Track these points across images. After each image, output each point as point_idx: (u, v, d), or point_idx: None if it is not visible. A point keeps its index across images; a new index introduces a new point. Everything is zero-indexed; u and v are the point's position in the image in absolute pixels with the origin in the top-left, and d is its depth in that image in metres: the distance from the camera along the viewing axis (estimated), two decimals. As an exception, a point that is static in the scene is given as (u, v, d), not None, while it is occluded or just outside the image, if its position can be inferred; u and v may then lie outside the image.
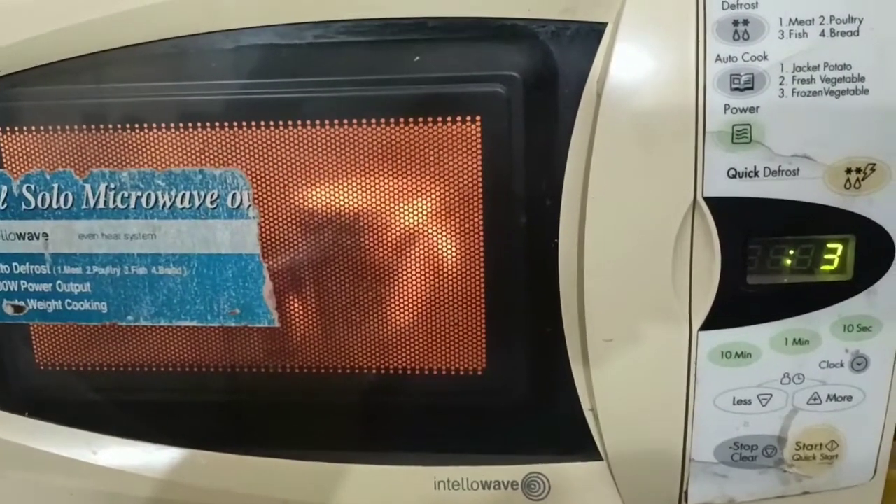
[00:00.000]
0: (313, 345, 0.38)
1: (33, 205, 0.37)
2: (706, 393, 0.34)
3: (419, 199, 0.36)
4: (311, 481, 0.39)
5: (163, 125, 0.36)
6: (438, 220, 0.36)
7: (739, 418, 0.35)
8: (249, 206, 0.36)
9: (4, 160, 0.37)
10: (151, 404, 0.40)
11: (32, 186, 0.37)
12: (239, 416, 0.40)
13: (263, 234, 0.37)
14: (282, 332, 0.38)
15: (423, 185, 0.36)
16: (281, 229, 0.37)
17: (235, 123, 0.36)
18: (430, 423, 0.39)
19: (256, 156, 0.36)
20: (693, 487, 0.36)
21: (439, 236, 0.36)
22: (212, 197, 0.36)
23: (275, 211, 0.36)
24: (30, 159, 0.37)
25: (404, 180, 0.36)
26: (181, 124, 0.36)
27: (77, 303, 0.38)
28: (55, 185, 0.37)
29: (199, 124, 0.36)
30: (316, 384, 0.39)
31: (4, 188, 0.37)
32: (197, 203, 0.37)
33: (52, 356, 0.40)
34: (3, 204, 0.38)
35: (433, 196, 0.36)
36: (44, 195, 0.37)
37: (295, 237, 0.37)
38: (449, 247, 0.36)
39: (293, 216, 0.37)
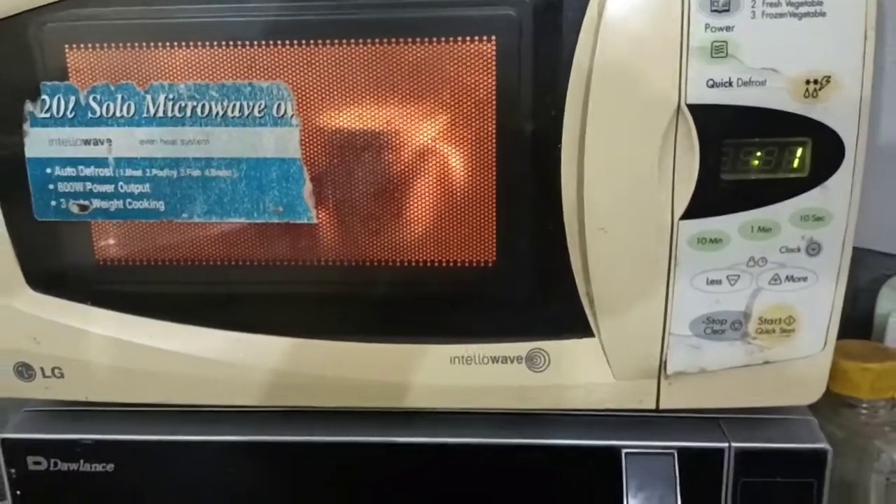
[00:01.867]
0: (346, 239, 0.44)
1: (98, 113, 0.42)
2: (684, 274, 0.41)
3: (441, 110, 0.41)
4: (343, 359, 0.45)
5: (216, 43, 0.41)
6: (457, 129, 0.42)
7: (712, 296, 0.41)
8: (292, 115, 0.42)
9: (72, 74, 0.42)
10: (199, 295, 0.46)
11: (98, 97, 0.42)
12: (277, 304, 0.46)
13: (304, 141, 0.42)
14: (318, 228, 0.44)
15: (445, 98, 0.41)
16: (319, 136, 0.42)
17: (280, 42, 0.41)
18: (447, 309, 0.45)
19: (299, 71, 0.41)
20: (671, 358, 0.43)
21: (457, 143, 0.42)
22: (259, 107, 0.42)
23: (314, 120, 0.42)
24: (95, 73, 0.42)
25: (428, 94, 0.41)
26: (232, 42, 0.41)
27: (137, 202, 0.44)
28: (119, 96, 0.42)
29: (248, 43, 0.41)
30: (348, 275, 0.45)
31: (73, 98, 0.42)
32: (246, 112, 0.42)
33: (110, 252, 0.45)
34: (71, 113, 0.42)
35: (453, 107, 0.41)
36: (108, 105, 0.42)
37: (331, 143, 0.42)
38: (466, 153, 0.42)
39: (330, 125, 0.42)
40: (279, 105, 0.41)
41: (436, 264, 0.44)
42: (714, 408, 0.45)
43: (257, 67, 0.41)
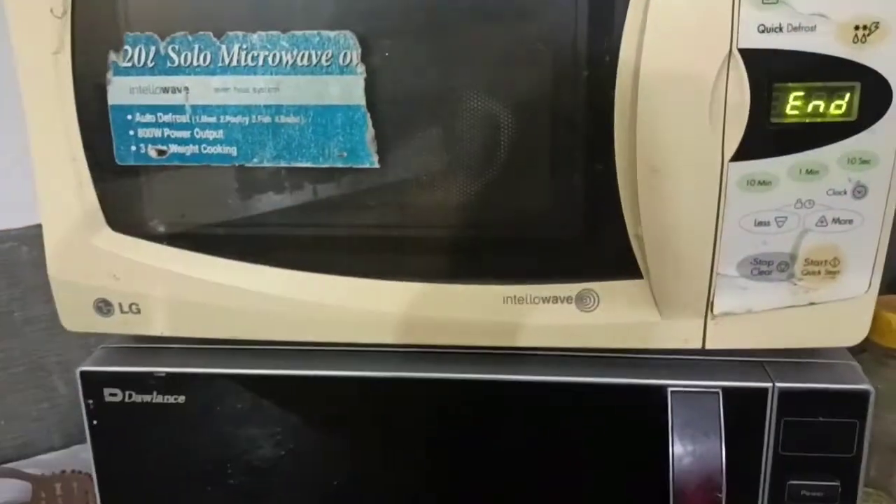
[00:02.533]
0: (406, 184, 0.46)
1: (177, 63, 0.45)
2: (733, 215, 0.42)
3: (499, 56, 0.43)
4: (400, 298, 0.48)
5: (287, -6, 0.43)
6: (514, 75, 0.44)
7: (759, 238, 0.43)
8: (358, 64, 0.44)
9: (152, 25, 0.45)
10: (268, 236, 0.48)
11: (176, 47, 0.45)
12: (340, 246, 0.48)
13: (369, 89, 0.44)
14: (380, 173, 0.46)
15: (503, 45, 0.43)
16: (383, 84, 0.44)
17: (347, -8, 0.43)
18: (500, 251, 0.47)
19: (364, 21, 0.43)
20: (718, 299, 0.45)
21: (514, 89, 0.44)
22: (327, 56, 0.44)
23: (379, 69, 0.44)
24: (174, 24, 0.45)
25: (486, 41, 0.43)
26: (302, -7, 0.43)
27: (211, 147, 0.46)
28: (196, 46, 0.45)
29: (317, -7, 0.43)
30: (407, 218, 0.47)
31: (153, 49, 0.45)
32: (314, 61, 0.44)
33: (184, 195, 0.48)
34: (151, 62, 0.45)
35: (511, 53, 0.43)
36: (186, 55, 0.45)
37: (394, 91, 0.44)
38: (521, 98, 0.44)
39: (394, 73, 0.44)
40: (345, 54, 0.44)
41: (490, 207, 0.46)
42: (759, 348, 0.47)
43: (326, 18, 0.43)
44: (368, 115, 0.45)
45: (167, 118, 0.46)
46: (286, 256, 0.48)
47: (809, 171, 0.41)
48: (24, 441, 0.78)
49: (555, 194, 0.46)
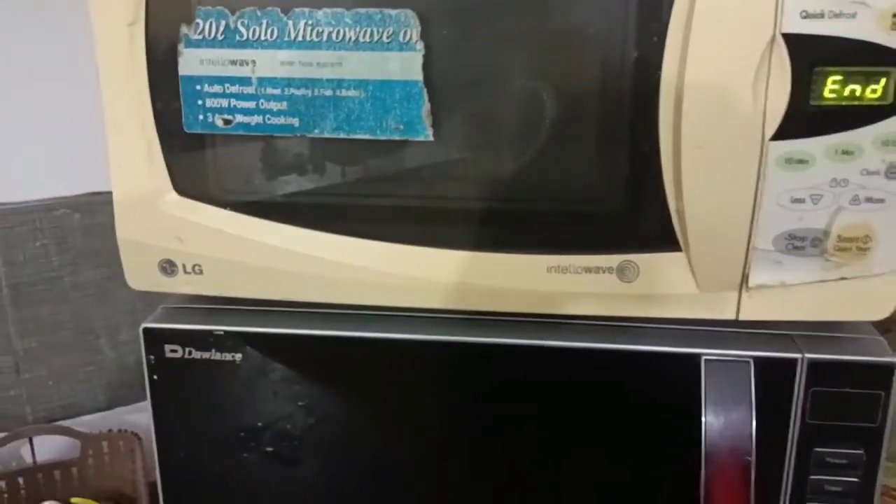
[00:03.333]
0: (459, 157, 0.49)
1: (245, 37, 0.48)
2: (770, 192, 0.45)
3: (551, 36, 0.46)
4: (450, 266, 0.50)
5: (352, -27, 0.46)
6: (565, 55, 0.46)
7: (795, 214, 0.45)
8: (417, 41, 0.46)
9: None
10: (325, 204, 0.51)
11: (245, 21, 0.48)
12: (395, 215, 0.51)
13: (426, 65, 0.47)
14: (435, 146, 0.48)
15: (556, 26, 0.45)
16: (440, 62, 0.47)
17: (409, -27, 0.46)
18: (546, 222, 0.50)
19: (424, 0, 0.46)
20: (753, 272, 0.47)
21: (564, 68, 0.46)
22: (388, 33, 0.46)
23: (436, 46, 0.46)
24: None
25: (539, 22, 0.46)
26: (367, -27, 0.46)
27: (275, 118, 0.49)
28: (264, 21, 0.47)
29: (381, -27, 0.46)
30: (459, 190, 0.50)
31: (223, 22, 0.48)
32: (376, 38, 0.47)
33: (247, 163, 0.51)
34: (221, 35, 0.48)
35: (563, 34, 0.46)
36: (254, 29, 0.48)
37: (451, 69, 0.47)
38: (571, 77, 0.46)
39: (451, 52, 0.47)
40: (406, 31, 0.46)
41: (537, 181, 0.49)
42: (790, 320, 0.49)
43: (388, -4, 0.46)
44: (425, 90, 0.47)
45: (234, 89, 0.49)
46: (342, 224, 0.51)
47: (845, 152, 0.43)
48: (70, 402, 0.81)
49: (600, 170, 0.48)
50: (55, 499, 0.73)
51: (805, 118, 0.43)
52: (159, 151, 0.51)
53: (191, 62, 0.49)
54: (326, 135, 0.49)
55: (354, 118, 0.48)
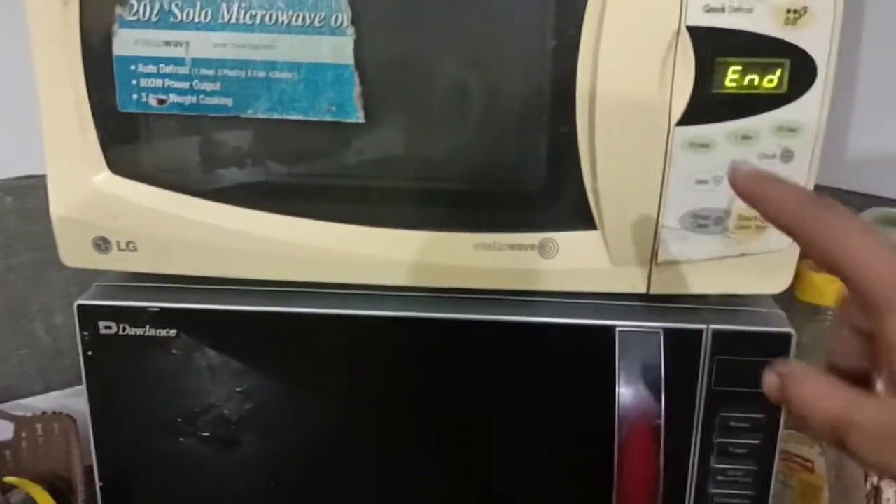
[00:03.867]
0: (389, 139, 0.51)
1: (179, 18, 0.49)
2: (676, 174, 0.48)
3: (476, 25, 0.48)
4: (380, 242, 0.52)
5: (285, -41, 0.47)
6: (488, 43, 0.49)
7: (699, 194, 0.49)
8: (348, 25, 0.48)
9: (158, -18, 0.49)
10: (256, 182, 0.53)
11: (179, 3, 0.49)
12: (326, 193, 0.53)
13: (357, 49, 0.49)
14: (365, 128, 0.51)
15: (480, 15, 0.48)
16: (371, 46, 0.49)
17: (339, -39, 0.47)
18: (472, 202, 0.52)
19: (355, -14, 0.48)
20: (662, 248, 0.51)
21: (488, 55, 0.49)
22: (320, 17, 0.48)
23: (367, 31, 0.48)
24: (178, -18, 0.48)
25: (463, 14, 0.48)
26: (299, -41, 0.47)
27: (208, 98, 0.50)
28: (198, 3, 0.49)
29: (312, -41, 0.47)
30: (389, 170, 0.52)
31: (157, 4, 0.49)
32: (308, 22, 0.48)
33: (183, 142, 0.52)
34: (155, 16, 0.49)
35: (486, 23, 0.48)
36: (188, 11, 0.49)
37: (381, 53, 0.49)
38: (495, 64, 0.49)
39: (381, 36, 0.49)
40: (337, 16, 0.48)
41: (464, 163, 0.51)
42: (697, 294, 0.53)
43: (320, -18, 0.48)
44: (357, 73, 0.49)
45: (168, 69, 0.50)
46: (278, 202, 0.53)
47: (744, 137, 0.47)
48: (4, 385, 0.81)
49: (522, 152, 0.51)
50: (-13, 481, 0.73)
51: (708, 105, 0.47)
52: (93, 130, 0.52)
53: (125, 42, 0.50)
54: (260, 115, 0.51)
55: (287, 99, 0.50)
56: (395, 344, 0.55)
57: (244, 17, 0.49)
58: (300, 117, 0.50)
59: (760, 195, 0.31)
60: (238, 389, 0.56)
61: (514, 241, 0.52)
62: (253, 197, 0.53)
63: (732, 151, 0.48)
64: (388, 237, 0.52)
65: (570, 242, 0.52)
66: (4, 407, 0.78)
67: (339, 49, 0.49)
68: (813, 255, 0.29)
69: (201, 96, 0.50)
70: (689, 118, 0.47)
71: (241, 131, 0.51)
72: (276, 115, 0.50)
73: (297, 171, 0.52)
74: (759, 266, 0.51)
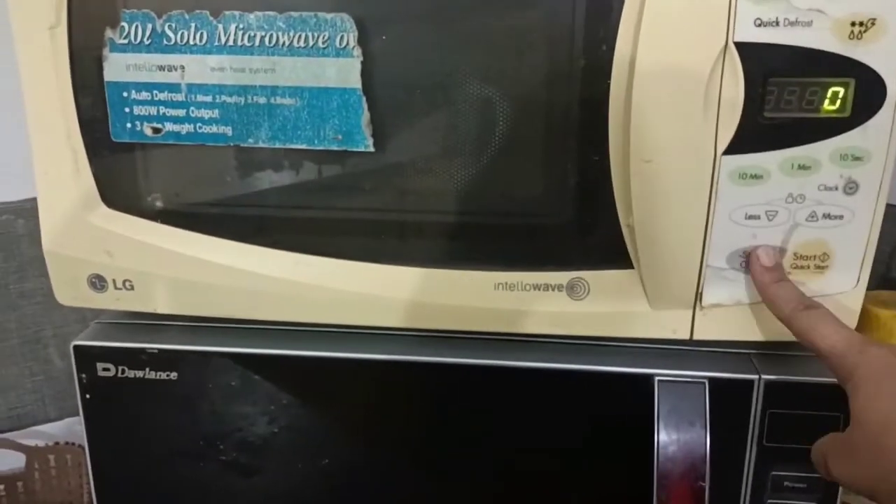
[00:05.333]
0: (400, 169, 0.46)
1: (173, 41, 0.45)
2: (723, 208, 0.43)
3: (495, 44, 0.43)
4: (391, 281, 0.48)
5: (284, -26, 0.43)
6: (509, 63, 0.44)
7: (749, 231, 0.43)
8: (354, 46, 0.44)
9: (149, 2, 0.45)
10: (262, 217, 0.49)
11: (173, 25, 0.45)
12: (334, 228, 0.48)
13: (365, 72, 0.44)
14: (375, 157, 0.46)
15: (499, 33, 0.43)
16: (379, 69, 0.44)
17: (344, -25, 0.43)
18: (493, 237, 0.47)
19: (363, 4, 0.43)
20: (707, 290, 0.45)
21: (509, 77, 0.44)
22: (323, 38, 0.44)
23: (375, 52, 0.44)
24: (171, 2, 0.44)
25: (483, 29, 0.43)
26: (300, -26, 0.43)
27: (207, 126, 0.46)
28: (192, 24, 0.45)
29: (314, -26, 0.43)
30: (401, 203, 0.47)
31: (150, 26, 0.45)
32: (311, 43, 0.44)
33: (179, 174, 0.48)
34: (148, 40, 0.45)
35: (506, 42, 0.43)
36: (182, 33, 0.45)
37: (391, 76, 0.44)
38: (517, 86, 0.44)
39: (390, 58, 0.44)
40: (342, 36, 0.44)
41: (484, 194, 0.46)
42: (746, 340, 0.47)
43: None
44: (364, 98, 0.45)
45: (163, 96, 0.46)
46: (281, 237, 0.48)
47: (801, 167, 0.41)
48: (19, 413, 0.78)
49: (548, 182, 0.46)
50: (-1, 514, 0.70)
51: (759, 131, 0.41)
52: (86, 161, 0.48)
53: (117, 68, 0.46)
54: (261, 144, 0.46)
55: (290, 127, 0.46)
56: (406, 389, 0.50)
57: (242, 39, 0.44)
58: (304, 146, 0.46)
59: (770, 296, 0.43)
60: (238, 428, 0.52)
61: (540, 281, 0.47)
62: (257, 232, 0.48)
63: (788, 183, 0.42)
64: (400, 276, 0.48)
65: (602, 282, 0.46)
66: (20, 434, 0.76)
67: (345, 72, 0.44)
68: (802, 342, 0.42)
69: (198, 125, 0.46)
70: (737, 146, 0.41)
71: (243, 162, 0.47)
72: (278, 145, 0.46)
73: (302, 203, 0.48)
74: (818, 310, 0.45)
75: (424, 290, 0.48)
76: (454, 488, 0.52)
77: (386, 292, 0.48)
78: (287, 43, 0.44)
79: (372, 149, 0.46)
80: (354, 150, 0.46)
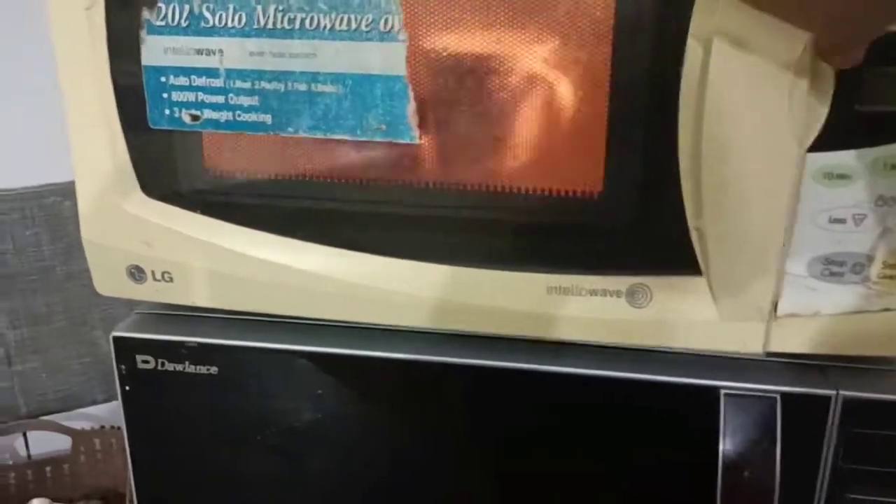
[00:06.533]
0: (449, 162, 0.43)
1: (211, 23, 0.43)
2: (806, 211, 0.38)
3: (553, 30, 0.40)
4: (437, 281, 0.45)
5: (327, -48, 0.40)
6: (570, 52, 0.40)
7: (834, 236, 0.39)
8: (400, 30, 0.41)
9: (186, -18, 0.42)
10: (304, 210, 0.46)
11: (211, 6, 0.42)
12: (379, 223, 0.46)
13: (410, 58, 0.41)
14: (421, 149, 0.43)
15: (558, 18, 0.39)
16: (426, 55, 0.41)
17: (391, -48, 0.40)
18: (548, 237, 0.44)
19: (410, -18, 0.40)
20: (784, 299, 0.41)
21: (569, 67, 0.40)
22: (367, 21, 0.41)
23: (422, 36, 0.41)
24: (209, -18, 0.42)
25: (540, 13, 0.40)
26: (344, -49, 0.40)
27: (246, 114, 0.44)
28: (231, 6, 0.42)
29: (359, -49, 0.40)
30: (448, 199, 0.44)
31: (187, 7, 0.42)
32: (354, 26, 0.41)
33: (219, 162, 0.46)
34: (185, 21, 0.43)
35: (567, 28, 0.39)
36: (220, 14, 0.42)
37: (438, 62, 0.41)
38: (577, 77, 0.40)
39: (438, 43, 0.41)
40: (387, 19, 0.41)
41: (540, 191, 0.43)
42: (823, 354, 0.43)
43: (368, -22, 0.40)
44: (410, 86, 0.42)
45: (201, 81, 0.44)
46: (322, 231, 0.46)
47: (894, 167, 0.37)
48: (67, 394, 0.79)
49: (608, 177, 0.42)
50: (46, 495, 0.71)
51: (850, 125, 0.37)
52: (124, 148, 0.46)
53: (154, 51, 0.44)
54: (302, 134, 0.44)
55: (332, 116, 0.43)
56: (451, 392, 0.47)
57: (282, 22, 0.42)
58: (347, 136, 0.43)
59: None
60: (278, 426, 0.50)
61: (597, 286, 0.43)
62: (298, 225, 0.46)
63: (879, 184, 0.37)
64: (445, 275, 0.45)
65: (666, 289, 0.43)
66: (66, 416, 0.76)
67: (389, 57, 0.41)
68: None
69: (238, 112, 0.44)
70: (824, 143, 0.37)
71: (286, 150, 0.45)
72: (319, 135, 0.43)
73: (343, 196, 0.45)
74: (908, 325, 0.40)
75: (470, 292, 0.45)
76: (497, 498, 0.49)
77: (429, 292, 0.45)
78: (328, 26, 0.41)
79: (417, 140, 0.43)
80: (399, 141, 0.43)
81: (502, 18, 0.40)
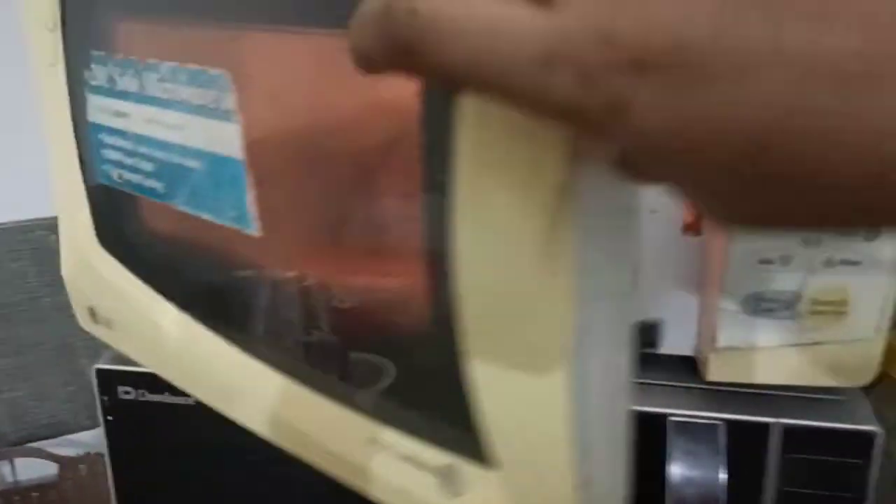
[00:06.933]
0: (284, 258, 0.38)
1: (120, 87, 0.41)
2: (737, 252, 0.38)
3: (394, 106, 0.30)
4: (285, 397, 0.38)
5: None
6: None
7: (763, 275, 0.38)
8: (233, 110, 0.35)
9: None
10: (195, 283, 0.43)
11: (119, 69, 0.41)
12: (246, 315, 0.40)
13: (246, 140, 0.35)
14: (264, 241, 0.37)
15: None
16: (268, 136, 0.35)
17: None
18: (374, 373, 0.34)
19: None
20: (722, 333, 0.41)
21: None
22: (211, 96, 0.36)
23: (257, 120, 0.35)
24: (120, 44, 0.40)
25: (380, 90, 0.30)
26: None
27: (147, 180, 0.42)
28: (129, 70, 0.40)
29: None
30: (281, 299, 0.38)
31: (105, 69, 0.42)
32: (204, 101, 0.36)
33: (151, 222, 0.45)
34: (106, 83, 0.42)
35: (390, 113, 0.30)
36: (125, 78, 0.41)
37: (275, 146, 0.36)
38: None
39: (272, 121, 0.35)
40: (221, 96, 0.36)
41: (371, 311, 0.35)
42: (763, 384, 0.42)
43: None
44: (248, 171, 0.36)
45: (121, 143, 0.43)
46: (207, 312, 0.42)
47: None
48: (53, 421, 0.80)
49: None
50: (36, 521, 0.73)
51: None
52: (85, 198, 0.47)
53: (94, 109, 0.44)
54: (181, 208, 0.40)
55: (199, 194, 0.39)
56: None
57: (161, 91, 0.39)
58: (210, 218, 0.39)
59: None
60: (260, 456, 0.50)
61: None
62: (188, 302, 0.43)
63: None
64: (285, 389, 0.38)
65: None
66: (54, 443, 0.78)
67: (228, 138, 0.36)
68: None
69: (142, 177, 0.43)
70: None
71: (183, 221, 0.41)
72: (192, 211, 0.40)
73: (205, 277, 0.42)
74: (837, 356, 0.40)
75: (295, 410, 0.38)
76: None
77: (273, 402, 0.39)
78: (187, 98, 0.38)
79: (257, 233, 0.37)
80: (244, 231, 0.37)
81: (339, 100, 0.33)
